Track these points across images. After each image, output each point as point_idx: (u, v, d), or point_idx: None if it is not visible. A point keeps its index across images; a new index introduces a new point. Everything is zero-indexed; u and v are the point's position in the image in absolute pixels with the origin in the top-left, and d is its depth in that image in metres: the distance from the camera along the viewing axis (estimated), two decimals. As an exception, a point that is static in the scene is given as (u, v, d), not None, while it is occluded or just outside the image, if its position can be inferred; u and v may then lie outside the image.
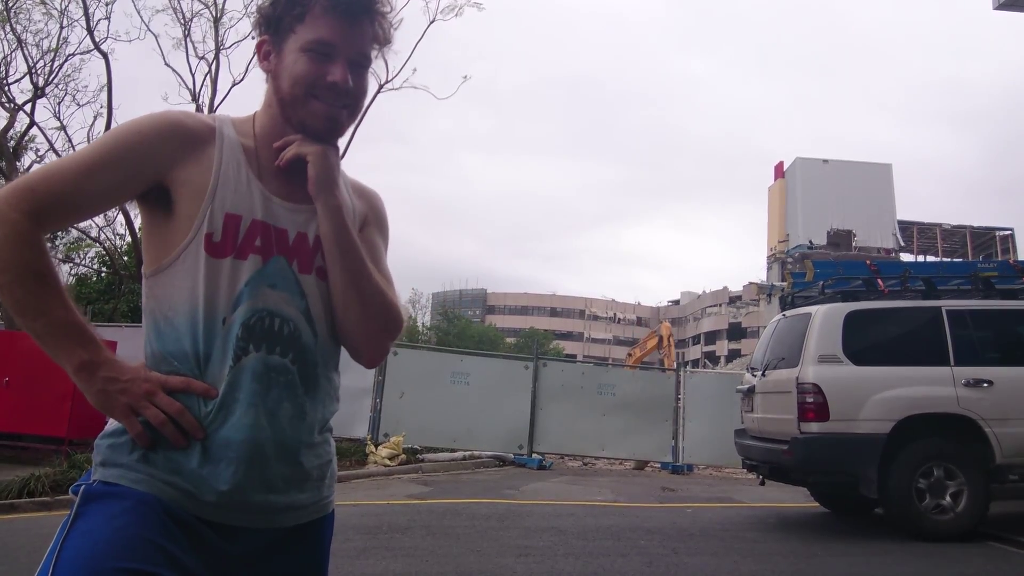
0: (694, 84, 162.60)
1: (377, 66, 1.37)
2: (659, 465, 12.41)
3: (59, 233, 15.14)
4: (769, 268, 48.33)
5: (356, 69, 1.30)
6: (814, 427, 6.52)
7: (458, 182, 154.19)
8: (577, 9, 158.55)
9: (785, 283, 10.14)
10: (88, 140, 15.14)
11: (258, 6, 1.34)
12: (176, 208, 1.24)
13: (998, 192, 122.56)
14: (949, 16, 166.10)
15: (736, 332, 67.78)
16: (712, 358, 65.43)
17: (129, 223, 14.78)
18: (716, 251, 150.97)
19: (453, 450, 11.69)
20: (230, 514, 1.22)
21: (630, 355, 30.83)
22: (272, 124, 1.32)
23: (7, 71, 15.21)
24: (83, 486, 1.20)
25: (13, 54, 14.99)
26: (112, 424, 1.22)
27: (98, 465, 1.21)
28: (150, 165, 1.23)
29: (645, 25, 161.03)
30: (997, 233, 42.86)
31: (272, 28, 1.31)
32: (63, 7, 14.57)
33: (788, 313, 7.78)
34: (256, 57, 1.35)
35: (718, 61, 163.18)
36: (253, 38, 1.42)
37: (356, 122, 1.44)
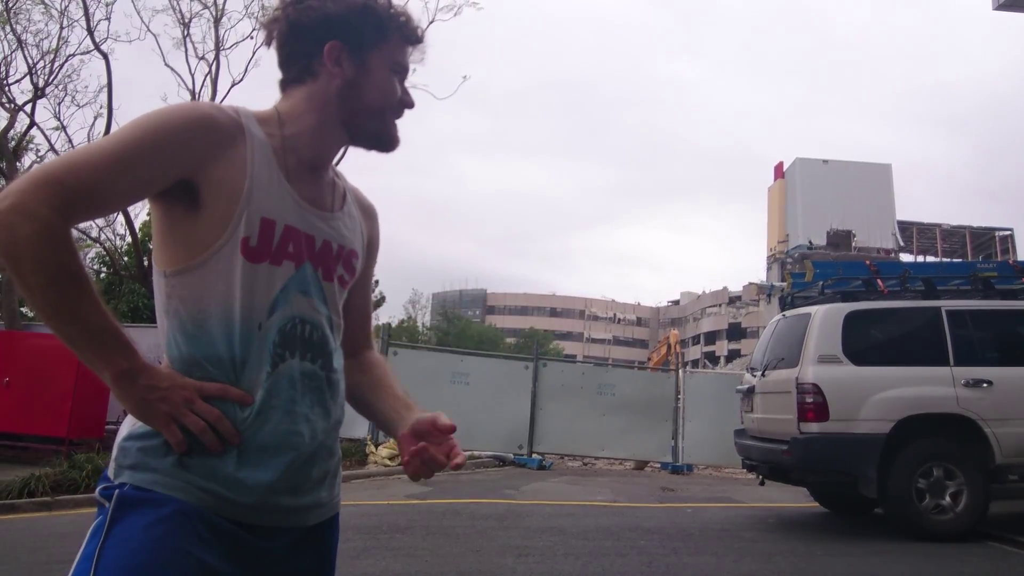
0: (683, 88, 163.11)
1: None
2: (659, 465, 12.41)
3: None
4: (769, 268, 48.39)
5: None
6: (814, 427, 6.52)
7: (454, 183, 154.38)
8: (566, 13, 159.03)
9: (785, 283, 10.14)
10: (88, 140, 15.11)
11: (314, 6, 1.29)
12: (206, 207, 1.20)
13: (990, 194, 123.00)
14: (937, 20, 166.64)
15: (736, 332, 67.77)
16: (712, 358, 65.44)
17: (129, 223, 14.76)
18: (712, 252, 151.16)
19: (453, 450, 11.68)
20: (262, 516, 1.22)
21: (650, 359, 32.09)
22: (319, 126, 1.31)
23: (7, 71, 15.16)
24: (116, 491, 1.17)
25: (13, 54, 14.96)
26: (139, 425, 1.19)
27: (126, 468, 1.19)
28: (183, 162, 1.18)
29: (633, 29, 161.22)
30: (997, 233, 42.89)
31: (346, 37, 1.29)
32: (63, 7, 14.55)
33: (788, 313, 7.78)
34: (320, 59, 1.29)
35: (706, 65, 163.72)
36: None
37: None
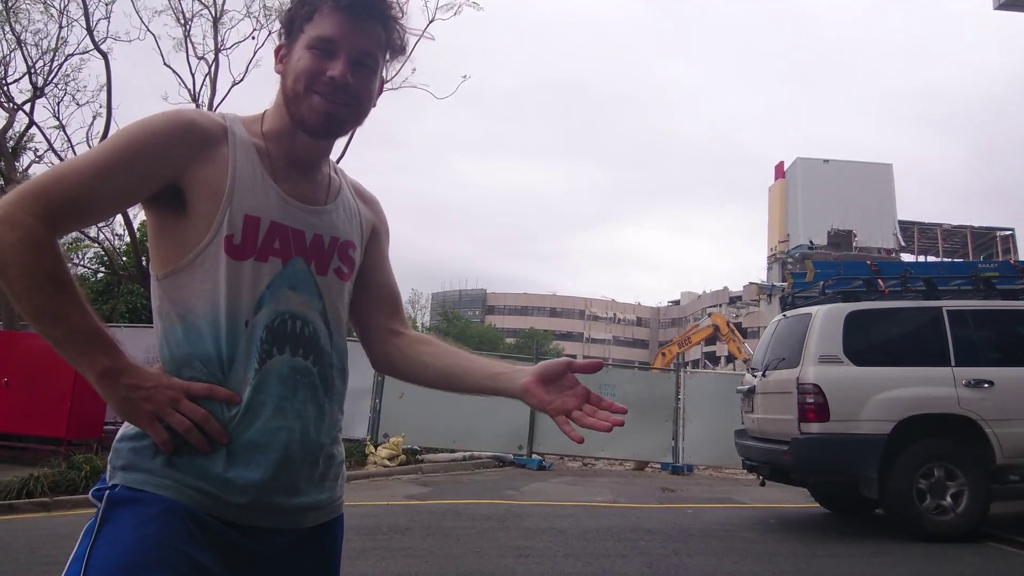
0: (678, 89, 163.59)
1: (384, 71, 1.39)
2: (659, 466, 12.40)
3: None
4: (769, 268, 48.34)
5: (358, 68, 1.28)
6: (814, 427, 6.51)
7: (452, 183, 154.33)
8: (560, 14, 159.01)
9: (785, 283, 10.13)
10: (87, 140, 15.10)
11: (279, 15, 1.35)
12: (191, 209, 1.22)
13: (986, 194, 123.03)
14: (930, 20, 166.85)
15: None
16: (712, 358, 65.38)
17: (128, 223, 14.73)
18: (709, 252, 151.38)
19: (453, 450, 11.69)
20: (256, 516, 1.21)
21: (664, 354, 25.95)
22: (282, 124, 1.31)
23: (6, 71, 15.16)
24: (106, 491, 1.18)
25: (12, 54, 14.96)
26: (131, 427, 1.21)
27: (119, 469, 1.20)
28: (165, 166, 1.21)
29: (627, 31, 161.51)
30: (998, 233, 42.82)
31: (287, 31, 1.31)
32: (63, 7, 14.55)
33: (789, 313, 7.78)
34: (274, 62, 1.34)
35: (700, 67, 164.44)
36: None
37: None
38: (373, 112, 1.35)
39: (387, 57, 1.35)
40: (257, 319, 1.22)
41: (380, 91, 1.42)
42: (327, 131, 1.30)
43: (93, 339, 1.15)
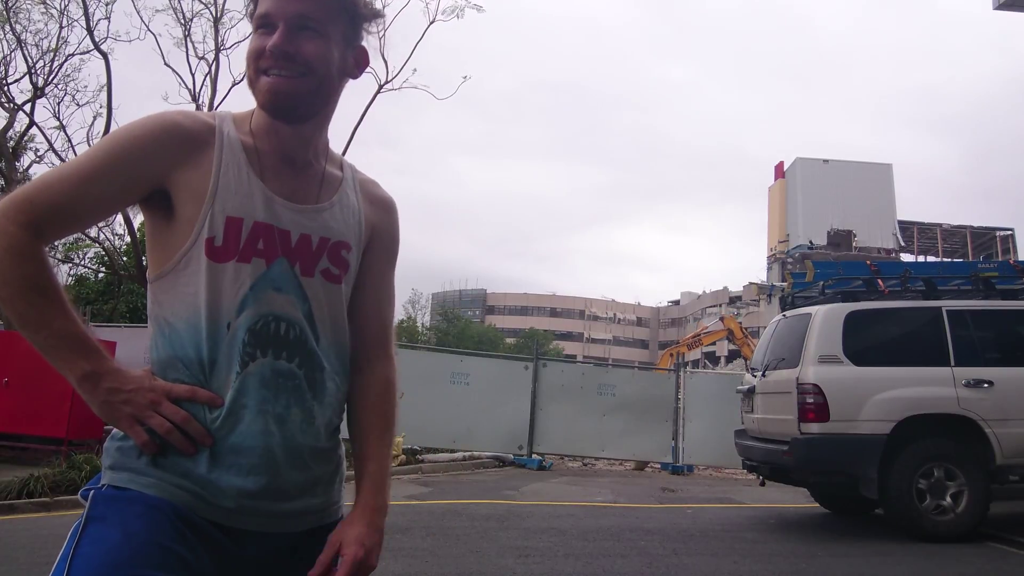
0: (674, 90, 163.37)
1: (354, 48, 1.31)
2: (659, 466, 12.40)
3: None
4: (769, 268, 48.41)
5: (301, 33, 1.22)
6: (814, 427, 6.51)
7: (451, 184, 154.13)
8: (558, 16, 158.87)
9: (785, 283, 10.13)
10: (88, 140, 15.08)
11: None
12: (177, 212, 1.22)
13: (985, 195, 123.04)
14: (925, 22, 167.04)
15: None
16: (712, 358, 65.38)
17: (128, 223, 14.71)
18: (709, 252, 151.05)
19: (453, 451, 11.69)
20: (242, 519, 1.21)
21: (672, 355, 24.77)
22: (264, 118, 1.29)
23: (7, 71, 15.12)
24: (92, 490, 1.19)
25: (13, 54, 14.95)
26: None
27: (107, 468, 1.20)
28: (149, 170, 1.20)
29: (625, 33, 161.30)
30: (997, 233, 42.89)
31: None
32: (63, 7, 14.53)
33: (788, 313, 7.78)
34: None
35: (696, 68, 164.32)
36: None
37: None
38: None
39: (351, 21, 1.29)
40: (239, 321, 1.21)
41: (362, 63, 1.34)
42: (282, 109, 1.25)
43: (75, 344, 1.16)
